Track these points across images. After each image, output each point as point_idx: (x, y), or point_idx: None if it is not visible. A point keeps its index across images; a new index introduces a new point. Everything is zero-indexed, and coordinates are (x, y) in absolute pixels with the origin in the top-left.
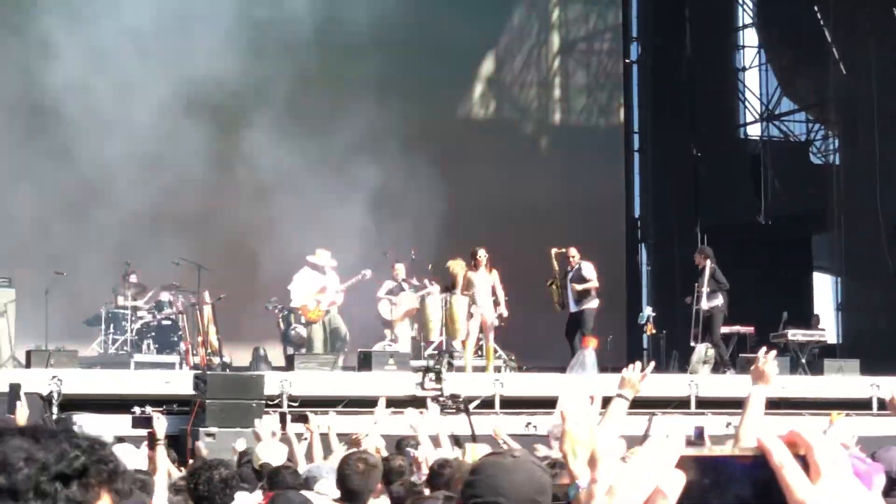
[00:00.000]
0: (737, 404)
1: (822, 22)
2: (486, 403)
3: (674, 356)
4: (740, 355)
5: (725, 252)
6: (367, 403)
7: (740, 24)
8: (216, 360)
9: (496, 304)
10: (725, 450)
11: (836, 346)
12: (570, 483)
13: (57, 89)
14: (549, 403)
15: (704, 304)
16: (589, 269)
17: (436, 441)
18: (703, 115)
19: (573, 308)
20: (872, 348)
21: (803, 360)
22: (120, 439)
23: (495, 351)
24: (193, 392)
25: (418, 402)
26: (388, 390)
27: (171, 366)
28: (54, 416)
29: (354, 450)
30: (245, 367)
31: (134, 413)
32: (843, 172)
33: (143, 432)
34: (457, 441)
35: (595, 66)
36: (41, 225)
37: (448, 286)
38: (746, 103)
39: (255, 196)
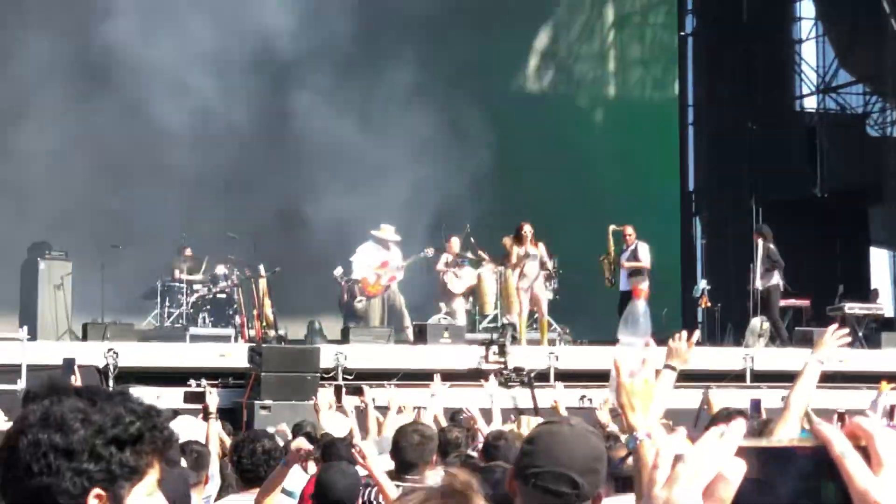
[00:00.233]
0: (792, 378)
1: None
2: (541, 376)
3: (729, 329)
4: (796, 328)
5: (781, 226)
6: (422, 377)
7: None
8: (271, 333)
9: (548, 277)
10: (784, 440)
11: (894, 319)
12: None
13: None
14: (603, 377)
15: (759, 284)
16: (644, 251)
17: (489, 414)
18: (759, 87)
19: (624, 286)
20: None
21: (861, 334)
22: (176, 412)
23: (550, 324)
24: (249, 365)
25: (474, 375)
26: (443, 363)
27: (226, 339)
28: (110, 389)
29: (410, 422)
30: (300, 341)
31: (189, 386)
32: None
33: (198, 406)
34: (520, 413)
35: (650, 38)
36: (97, 197)
37: (503, 261)
38: (803, 76)
39: (308, 162)
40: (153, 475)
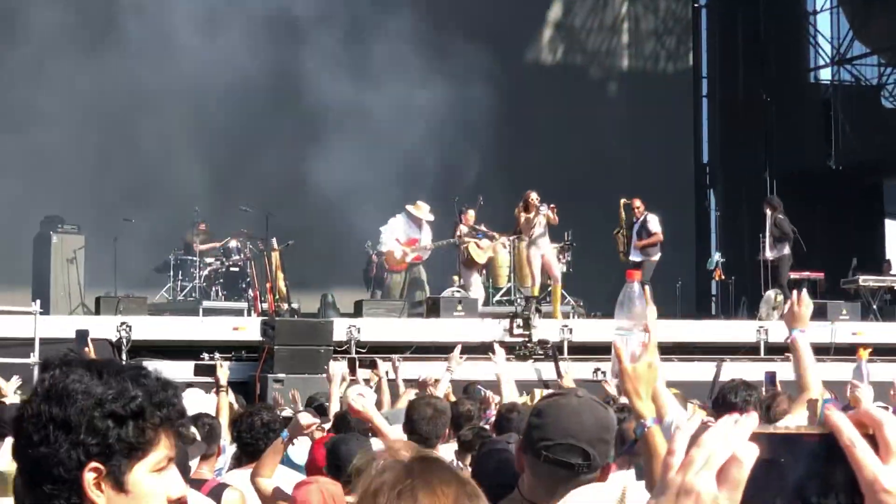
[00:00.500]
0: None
1: None
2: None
3: (743, 302)
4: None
5: (795, 198)
6: (436, 349)
7: None
8: (284, 306)
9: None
10: (792, 427)
11: None
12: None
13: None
14: None
15: (769, 254)
16: (654, 222)
17: (498, 387)
18: (773, 59)
19: (635, 257)
20: None
21: (875, 306)
22: (189, 385)
23: (564, 297)
24: (262, 338)
25: (489, 349)
26: (457, 336)
27: (239, 312)
28: (125, 363)
29: (423, 395)
30: (313, 314)
31: (202, 359)
32: None
33: (210, 379)
34: (545, 385)
35: (663, 10)
36: (110, 171)
37: (515, 233)
38: (817, 47)
39: (318, 130)
40: (161, 452)
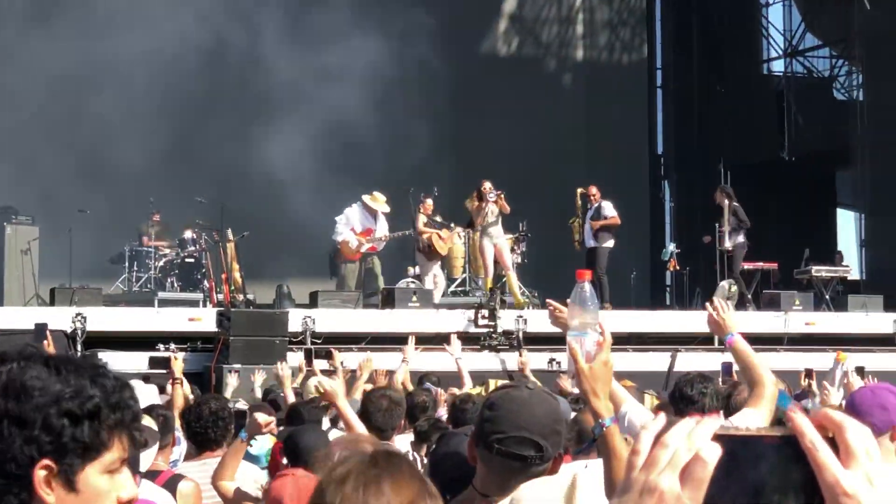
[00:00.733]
0: (759, 340)
1: None
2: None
3: (697, 293)
4: (764, 291)
5: (748, 188)
6: (391, 340)
7: None
8: (240, 297)
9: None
10: (752, 429)
11: (860, 282)
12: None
13: None
14: None
15: (728, 244)
16: (609, 208)
17: (459, 378)
18: (727, 51)
19: (590, 243)
20: None
21: (827, 297)
22: (145, 378)
23: (519, 288)
24: (217, 329)
25: (443, 339)
26: (412, 327)
27: (195, 303)
28: (78, 354)
29: (378, 386)
30: (269, 305)
31: (158, 349)
32: (867, 108)
33: (164, 371)
34: (510, 377)
35: (618, 1)
36: (63, 163)
37: (468, 223)
38: (770, 39)
39: (261, 121)
40: (114, 454)
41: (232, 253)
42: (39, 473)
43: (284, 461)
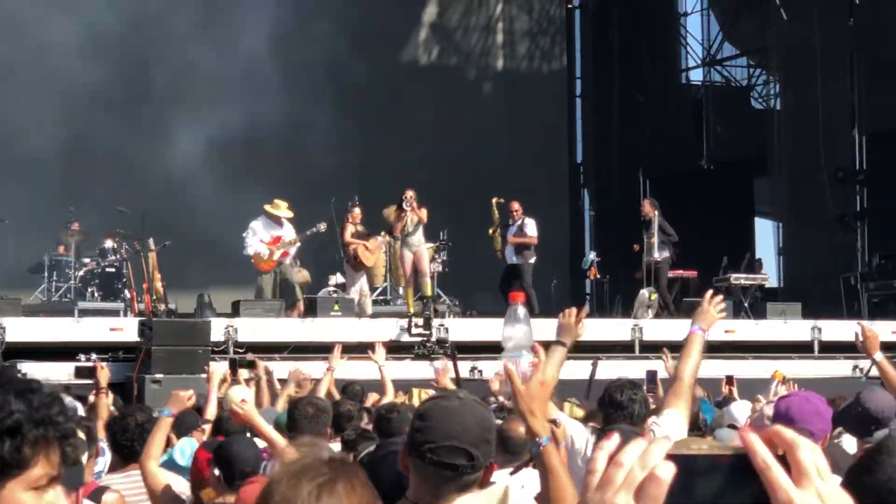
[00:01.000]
0: (680, 348)
1: None
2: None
3: (617, 301)
4: (684, 299)
5: (668, 197)
6: (313, 349)
7: None
8: (161, 306)
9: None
10: (705, 448)
11: (778, 289)
12: (530, 439)
13: None
14: (493, 348)
15: (656, 255)
16: (531, 227)
17: (382, 385)
18: (646, 60)
19: (512, 260)
20: (814, 291)
21: (746, 304)
22: (67, 388)
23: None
24: (139, 339)
25: (365, 348)
26: (334, 336)
27: (115, 313)
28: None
29: (304, 394)
30: (190, 314)
31: (79, 360)
32: (784, 117)
33: (89, 381)
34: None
35: (538, 10)
36: None
37: (389, 232)
38: (688, 48)
39: (188, 136)
40: (39, 470)
41: (153, 262)
42: None
43: (216, 472)
